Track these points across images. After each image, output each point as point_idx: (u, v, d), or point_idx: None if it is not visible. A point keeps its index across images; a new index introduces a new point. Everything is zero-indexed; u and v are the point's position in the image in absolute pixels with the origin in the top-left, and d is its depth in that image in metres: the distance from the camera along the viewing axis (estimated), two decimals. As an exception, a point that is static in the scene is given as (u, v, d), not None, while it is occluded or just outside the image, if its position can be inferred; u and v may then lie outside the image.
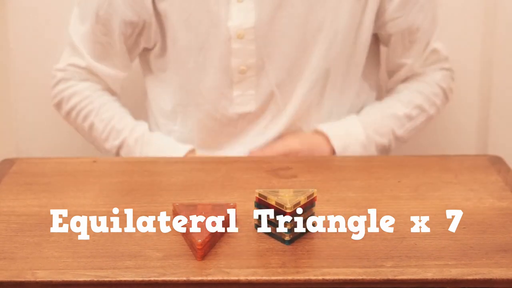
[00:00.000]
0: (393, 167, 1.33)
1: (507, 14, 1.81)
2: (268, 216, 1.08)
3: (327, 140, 1.50)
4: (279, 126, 1.49)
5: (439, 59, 1.56)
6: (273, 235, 1.08)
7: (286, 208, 1.06)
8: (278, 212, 1.07)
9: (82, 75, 1.54)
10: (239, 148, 1.50)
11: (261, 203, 1.09)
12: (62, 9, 1.82)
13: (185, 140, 1.52)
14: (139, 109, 1.65)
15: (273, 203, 1.07)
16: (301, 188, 1.14)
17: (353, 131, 1.50)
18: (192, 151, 1.50)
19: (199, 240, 1.02)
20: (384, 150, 1.52)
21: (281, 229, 1.06)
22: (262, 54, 1.44)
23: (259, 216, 1.09)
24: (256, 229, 1.10)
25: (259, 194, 1.09)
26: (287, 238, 1.06)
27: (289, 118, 1.49)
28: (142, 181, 1.29)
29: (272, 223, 1.08)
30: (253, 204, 1.11)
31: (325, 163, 1.38)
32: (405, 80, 1.57)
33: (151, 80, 1.55)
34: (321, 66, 1.46)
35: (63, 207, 1.18)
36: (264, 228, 1.09)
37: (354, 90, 1.52)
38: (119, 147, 1.50)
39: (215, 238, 1.06)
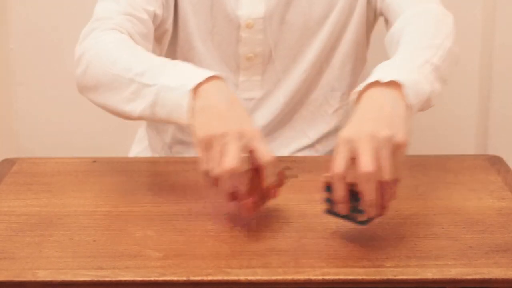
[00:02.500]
0: (393, 167, 1.33)
1: (506, 14, 1.81)
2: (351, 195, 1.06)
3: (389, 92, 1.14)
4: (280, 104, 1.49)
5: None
6: (345, 216, 1.07)
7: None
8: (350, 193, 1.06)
9: (112, 22, 1.32)
10: None
11: (332, 186, 1.07)
12: (63, 9, 1.83)
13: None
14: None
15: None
16: (300, 187, 1.14)
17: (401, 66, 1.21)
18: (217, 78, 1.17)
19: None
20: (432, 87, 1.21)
21: (357, 210, 1.06)
22: (270, 43, 1.45)
23: (328, 200, 1.08)
24: (328, 213, 1.09)
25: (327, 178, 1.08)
26: (359, 219, 1.06)
27: (289, 97, 1.49)
28: (142, 181, 1.29)
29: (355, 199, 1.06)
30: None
31: (325, 163, 1.37)
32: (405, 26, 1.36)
33: None
34: (324, 49, 1.46)
35: (63, 207, 1.18)
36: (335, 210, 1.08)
37: (350, 67, 1.51)
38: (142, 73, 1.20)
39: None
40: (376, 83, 1.12)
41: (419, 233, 1.10)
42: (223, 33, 1.44)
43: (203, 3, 1.43)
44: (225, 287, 0.99)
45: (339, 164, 1.05)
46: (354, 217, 1.07)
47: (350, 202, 1.06)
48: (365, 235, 1.09)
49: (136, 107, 1.18)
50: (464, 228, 1.11)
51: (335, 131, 1.51)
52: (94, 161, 1.37)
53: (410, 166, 1.34)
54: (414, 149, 1.82)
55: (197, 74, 1.14)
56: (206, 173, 1.08)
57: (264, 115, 1.49)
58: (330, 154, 1.52)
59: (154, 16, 1.38)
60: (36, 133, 1.87)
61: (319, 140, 1.52)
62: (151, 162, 1.39)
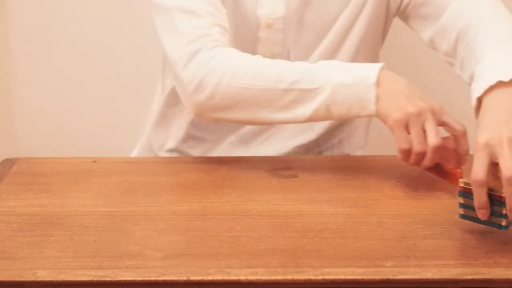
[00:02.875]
0: (393, 166, 1.34)
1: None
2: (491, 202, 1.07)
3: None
4: None
5: None
6: (484, 222, 1.07)
7: (502, 193, 1.05)
8: (490, 198, 1.06)
9: (215, 38, 1.32)
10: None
11: (469, 192, 1.08)
12: (63, 9, 1.83)
13: (201, 123, 1.51)
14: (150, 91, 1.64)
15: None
16: (300, 187, 1.14)
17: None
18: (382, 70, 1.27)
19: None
20: None
21: (498, 214, 1.06)
22: (288, 44, 1.44)
23: (463, 204, 1.09)
24: (463, 218, 1.10)
25: (465, 183, 1.09)
26: (504, 223, 1.06)
27: None
28: (142, 181, 1.29)
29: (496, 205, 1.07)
30: (253, 204, 1.11)
31: (325, 163, 1.38)
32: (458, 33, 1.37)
33: None
34: (333, 43, 1.46)
35: (63, 207, 1.18)
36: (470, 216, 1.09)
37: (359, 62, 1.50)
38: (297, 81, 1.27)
39: None
40: (498, 84, 1.16)
41: (419, 233, 1.10)
42: (242, 33, 1.43)
43: (225, 1, 1.41)
44: (225, 287, 0.99)
45: (479, 171, 1.06)
46: (494, 222, 1.07)
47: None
48: (365, 235, 1.09)
49: (304, 111, 1.27)
50: (464, 228, 1.11)
51: (338, 126, 1.51)
52: (94, 161, 1.37)
53: (409, 165, 1.34)
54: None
55: (367, 67, 1.25)
56: (405, 151, 1.22)
57: None
58: (331, 149, 1.53)
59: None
60: (36, 133, 1.87)
61: (323, 135, 1.51)
62: (151, 162, 1.39)
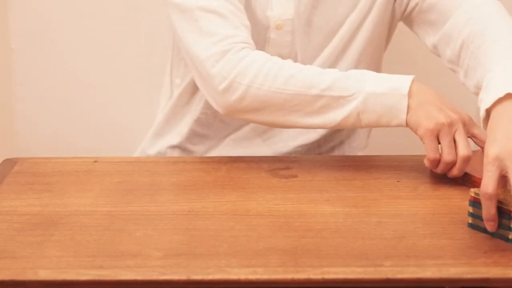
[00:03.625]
0: (392, 166, 1.34)
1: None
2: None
3: None
4: None
5: None
6: (491, 233, 1.08)
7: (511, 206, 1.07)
8: (498, 211, 1.07)
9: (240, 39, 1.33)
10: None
11: (478, 202, 1.09)
12: (64, 9, 1.83)
13: (207, 121, 1.51)
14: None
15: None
16: (300, 187, 1.14)
17: None
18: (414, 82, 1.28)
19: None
20: None
21: (506, 227, 1.07)
22: (296, 45, 1.45)
23: (472, 214, 1.11)
24: (472, 228, 1.11)
25: (475, 193, 1.10)
26: (511, 236, 1.07)
27: None
28: (142, 180, 1.29)
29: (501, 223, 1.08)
30: (253, 203, 1.11)
31: (324, 163, 1.38)
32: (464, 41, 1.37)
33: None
34: (338, 45, 1.46)
35: (64, 207, 1.19)
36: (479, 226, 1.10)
37: (363, 66, 1.49)
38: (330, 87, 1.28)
39: None
40: (506, 96, 1.17)
41: (418, 232, 1.10)
42: (252, 33, 1.42)
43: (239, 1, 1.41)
44: (225, 286, 1.00)
45: (489, 184, 1.08)
46: (502, 234, 1.08)
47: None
48: (365, 235, 1.09)
49: (334, 118, 1.28)
50: (463, 228, 1.12)
51: (340, 129, 1.51)
52: (95, 161, 1.37)
53: (409, 165, 1.34)
54: (413, 149, 1.83)
55: (400, 78, 1.27)
56: (434, 161, 1.25)
57: None
58: (331, 151, 1.53)
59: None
60: (37, 133, 1.88)
61: (325, 137, 1.52)
62: (152, 162, 1.39)
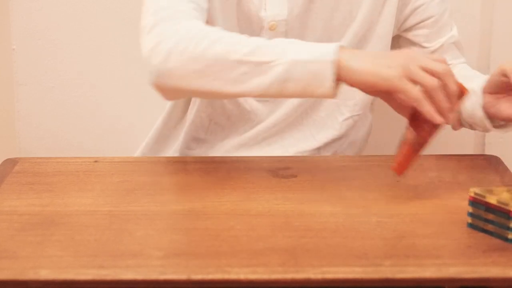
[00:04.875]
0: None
1: (505, 13, 1.82)
2: (490, 215, 1.09)
3: None
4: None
5: (460, 54, 1.54)
6: (491, 233, 1.09)
7: (511, 206, 1.07)
8: (498, 211, 1.08)
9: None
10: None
11: (478, 202, 1.10)
12: (64, 9, 1.83)
13: (203, 124, 1.52)
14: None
15: (494, 202, 1.08)
16: (300, 187, 1.14)
17: None
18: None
19: None
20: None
21: (505, 227, 1.07)
22: None
23: (472, 213, 1.11)
24: (471, 227, 1.11)
25: (475, 193, 1.10)
26: (510, 236, 1.07)
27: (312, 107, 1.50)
28: (143, 180, 1.29)
29: (493, 222, 1.08)
30: (253, 203, 1.12)
31: (324, 163, 1.39)
32: None
33: None
34: None
35: (65, 207, 1.19)
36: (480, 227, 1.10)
37: None
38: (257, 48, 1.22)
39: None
40: None
41: (418, 232, 1.10)
42: (246, 34, 1.43)
43: (229, 4, 1.42)
44: (225, 286, 1.00)
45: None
46: (502, 235, 1.08)
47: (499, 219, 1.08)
48: (364, 234, 1.10)
49: (256, 86, 1.19)
50: (462, 227, 1.12)
51: (341, 138, 1.52)
52: (96, 161, 1.38)
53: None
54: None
55: (325, 45, 1.19)
56: (420, 100, 1.14)
57: (277, 115, 1.49)
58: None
59: (206, 10, 1.36)
60: (38, 133, 1.88)
61: (325, 144, 1.52)
62: (152, 162, 1.40)
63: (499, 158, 1.38)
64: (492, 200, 1.08)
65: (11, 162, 1.37)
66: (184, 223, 1.14)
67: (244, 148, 1.51)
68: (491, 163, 1.36)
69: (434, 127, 1.18)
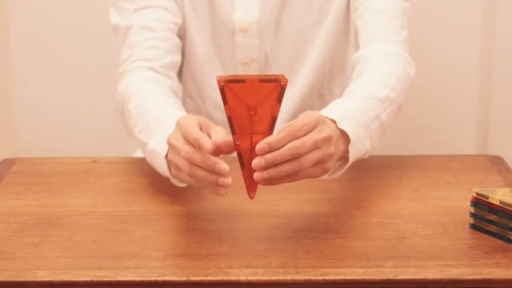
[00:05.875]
0: (393, 167, 1.34)
1: (506, 14, 1.81)
2: (492, 216, 1.08)
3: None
4: (283, 115, 1.49)
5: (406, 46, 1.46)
6: (493, 234, 1.08)
7: None
8: (501, 212, 1.07)
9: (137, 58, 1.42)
10: None
11: (480, 202, 1.09)
12: (63, 9, 1.83)
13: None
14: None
15: (496, 202, 1.08)
16: (300, 187, 1.13)
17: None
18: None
19: None
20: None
21: (508, 228, 1.07)
22: (266, 48, 1.45)
23: (474, 214, 1.10)
24: (474, 228, 1.11)
25: (478, 194, 1.10)
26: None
27: (292, 107, 1.49)
28: (141, 181, 1.29)
29: (496, 223, 1.08)
30: (253, 204, 1.11)
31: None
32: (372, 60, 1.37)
33: None
34: (321, 56, 1.46)
35: (63, 207, 1.18)
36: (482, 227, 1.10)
37: (348, 74, 1.50)
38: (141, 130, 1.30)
39: None
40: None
41: (419, 233, 1.10)
42: (220, 38, 1.45)
43: (203, 8, 1.44)
44: (225, 287, 0.99)
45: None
46: (504, 236, 1.07)
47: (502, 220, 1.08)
48: (365, 235, 1.09)
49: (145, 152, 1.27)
50: (464, 228, 1.11)
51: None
52: (94, 161, 1.37)
53: (410, 166, 1.34)
54: (414, 149, 1.83)
55: (160, 141, 1.17)
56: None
57: None
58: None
59: (179, 28, 1.43)
60: (36, 133, 1.87)
61: None
62: (151, 162, 1.39)
63: (502, 159, 1.38)
64: (494, 200, 1.08)
65: (9, 162, 1.36)
66: (184, 224, 1.13)
67: None
68: (493, 163, 1.35)
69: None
